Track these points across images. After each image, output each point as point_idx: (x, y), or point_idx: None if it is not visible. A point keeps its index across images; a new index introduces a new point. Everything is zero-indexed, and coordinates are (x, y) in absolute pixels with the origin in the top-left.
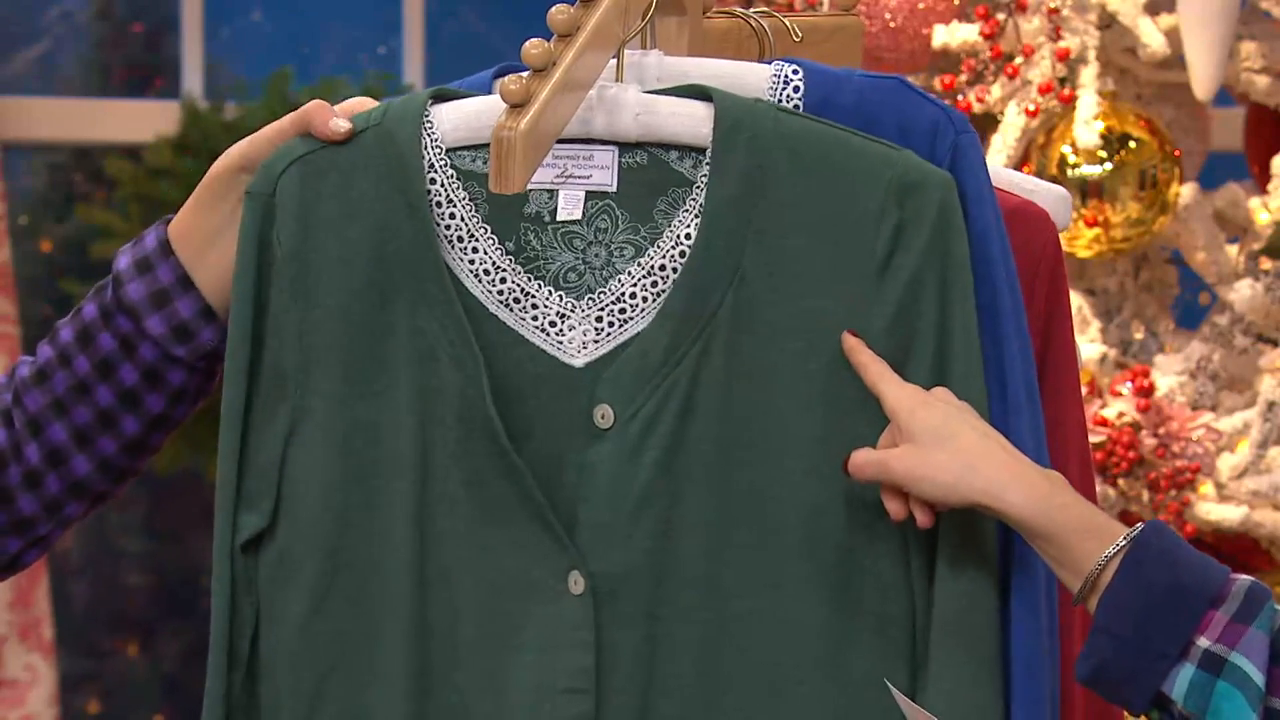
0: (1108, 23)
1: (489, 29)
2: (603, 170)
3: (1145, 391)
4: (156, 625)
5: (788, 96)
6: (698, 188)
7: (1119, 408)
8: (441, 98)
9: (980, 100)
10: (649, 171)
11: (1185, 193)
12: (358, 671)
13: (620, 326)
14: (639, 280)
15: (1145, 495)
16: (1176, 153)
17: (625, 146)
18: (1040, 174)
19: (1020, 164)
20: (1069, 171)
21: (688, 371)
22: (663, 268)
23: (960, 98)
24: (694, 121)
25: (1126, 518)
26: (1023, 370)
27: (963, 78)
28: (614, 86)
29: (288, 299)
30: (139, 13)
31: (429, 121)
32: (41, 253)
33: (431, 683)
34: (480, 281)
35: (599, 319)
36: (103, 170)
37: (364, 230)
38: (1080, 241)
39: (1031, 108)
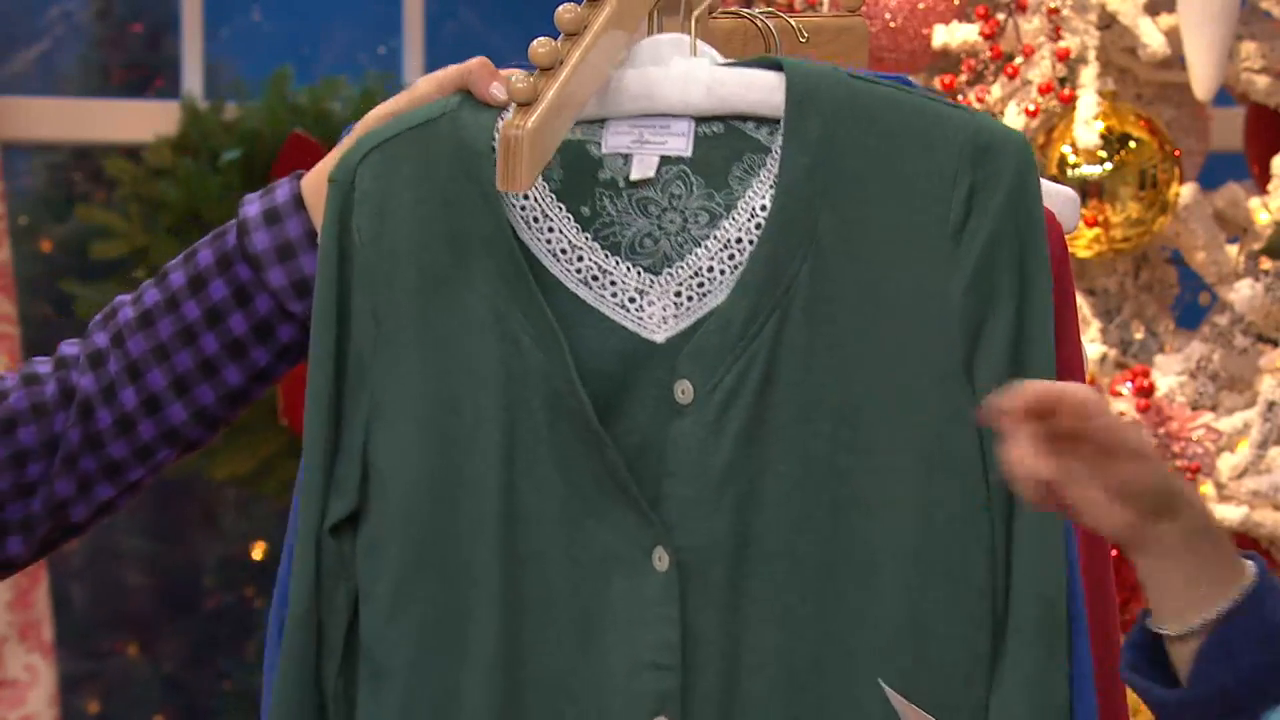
0: (1108, 23)
1: (489, 29)
2: (678, 137)
3: (1145, 391)
4: (156, 625)
5: None
6: (772, 157)
7: (1119, 408)
8: None
9: (980, 100)
10: (725, 139)
11: (1185, 193)
12: (450, 650)
13: (699, 300)
14: (716, 254)
15: None
16: (1176, 153)
17: (701, 118)
18: (1040, 174)
19: None
20: (1069, 171)
21: (766, 343)
22: (739, 240)
23: (960, 98)
24: (766, 92)
25: None
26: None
27: (963, 78)
28: (685, 61)
29: (368, 285)
30: (139, 13)
31: None
32: (41, 253)
33: (523, 660)
34: (559, 260)
35: (677, 294)
36: (102, 170)
37: (441, 217)
38: (1080, 241)
39: (1031, 108)
